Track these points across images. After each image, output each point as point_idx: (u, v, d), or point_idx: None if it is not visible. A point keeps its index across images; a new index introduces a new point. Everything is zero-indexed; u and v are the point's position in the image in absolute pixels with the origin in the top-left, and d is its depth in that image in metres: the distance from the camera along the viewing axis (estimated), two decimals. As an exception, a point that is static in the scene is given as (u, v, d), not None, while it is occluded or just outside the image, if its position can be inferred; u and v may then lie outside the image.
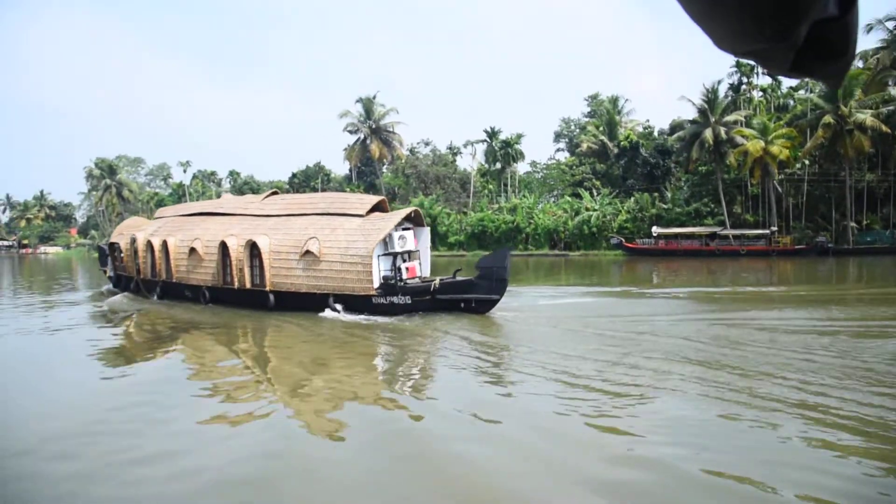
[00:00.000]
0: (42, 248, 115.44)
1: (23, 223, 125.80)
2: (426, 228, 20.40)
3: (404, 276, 18.37)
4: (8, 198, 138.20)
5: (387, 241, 18.37)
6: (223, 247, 20.17)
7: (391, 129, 62.00)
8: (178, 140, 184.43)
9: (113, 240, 26.56)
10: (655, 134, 65.50)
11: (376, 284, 17.82)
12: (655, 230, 49.90)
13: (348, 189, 73.23)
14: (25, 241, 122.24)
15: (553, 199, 64.84)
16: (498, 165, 63.38)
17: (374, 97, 61.12)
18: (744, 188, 53.17)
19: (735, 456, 7.11)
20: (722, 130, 47.58)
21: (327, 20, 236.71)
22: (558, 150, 77.29)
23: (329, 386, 11.01)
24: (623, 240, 51.52)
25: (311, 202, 21.49)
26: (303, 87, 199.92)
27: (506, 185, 65.30)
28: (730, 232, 48.03)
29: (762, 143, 44.45)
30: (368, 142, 61.96)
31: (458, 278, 18.17)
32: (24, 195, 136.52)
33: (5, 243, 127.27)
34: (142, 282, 23.76)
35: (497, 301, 17.42)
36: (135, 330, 18.14)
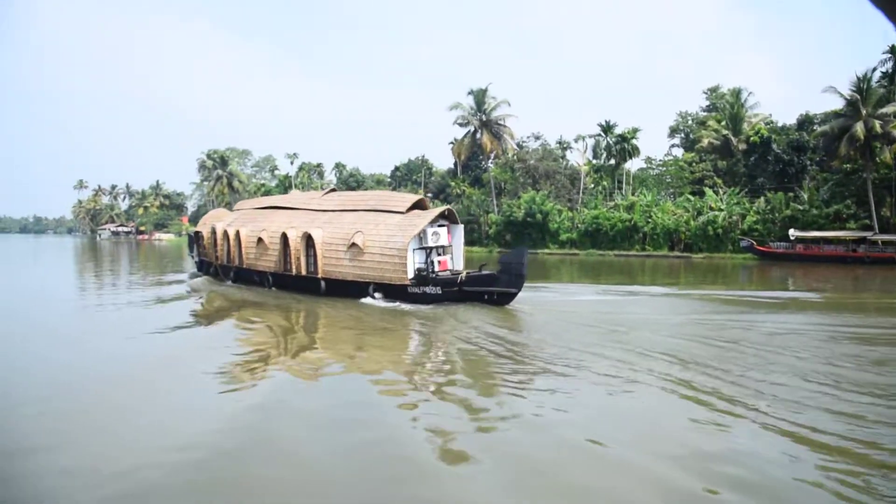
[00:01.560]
0: (157, 235, 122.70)
1: (140, 211, 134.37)
2: (460, 226, 21.77)
3: (436, 268, 19.93)
4: (128, 187, 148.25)
5: (421, 237, 19.94)
6: (284, 238, 22.23)
7: (502, 122, 60.48)
8: (287, 133, 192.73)
9: (197, 229, 29.02)
10: (778, 129, 60.48)
11: (410, 275, 19.39)
12: (793, 233, 45.76)
13: (453, 183, 72.52)
14: (142, 228, 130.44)
15: (669, 198, 61.16)
16: (612, 161, 60.47)
17: (486, 89, 59.81)
18: (894, 189, 47.94)
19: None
20: (876, 124, 42.78)
21: (438, 18, 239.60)
22: (673, 145, 73.24)
23: (344, 368, 11.51)
24: (754, 242, 47.71)
25: (361, 199, 23.40)
26: (411, 83, 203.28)
27: (619, 181, 62.39)
28: (881, 237, 43.26)
29: (928, 139, 39.61)
30: (479, 135, 60.79)
31: (483, 272, 19.20)
32: (141, 184, 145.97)
33: (124, 229, 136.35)
34: (219, 267, 26.27)
35: (515, 294, 18.42)
36: (204, 306, 20.88)
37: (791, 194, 50.78)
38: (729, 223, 50.60)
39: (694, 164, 61.86)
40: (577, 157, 68.62)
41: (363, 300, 19.70)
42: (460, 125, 62.19)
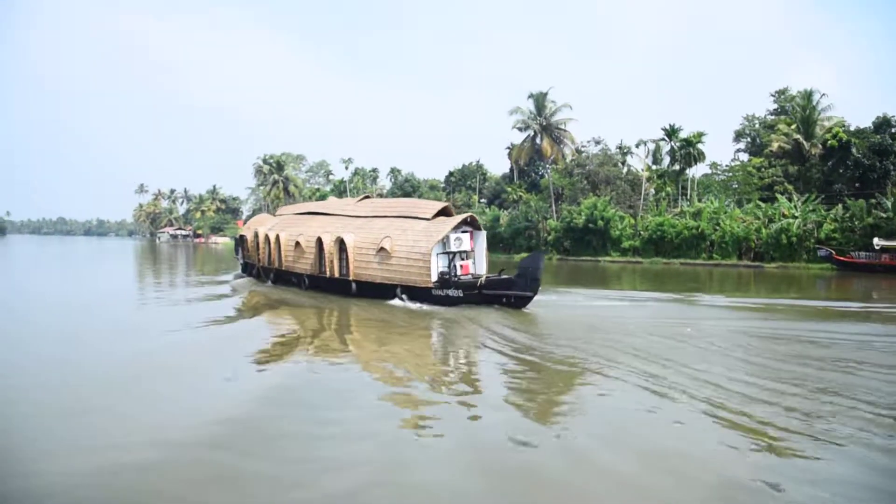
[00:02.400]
0: (213, 238, 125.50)
1: (198, 215, 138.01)
2: (483, 232, 22.85)
3: (458, 272, 21.04)
4: (185, 191, 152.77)
5: (445, 242, 21.09)
6: (319, 242, 23.75)
7: (563, 127, 59.26)
8: (342, 138, 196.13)
9: (242, 233, 30.87)
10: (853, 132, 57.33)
11: (434, 279, 20.53)
12: (878, 242, 43.07)
13: (509, 189, 71.58)
14: (199, 232, 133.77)
15: (736, 204, 58.72)
16: (676, 166, 58.48)
17: (546, 93, 58.72)
18: None
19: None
20: (972, 127, 39.96)
21: (496, 20, 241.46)
22: (738, 150, 70.51)
23: (366, 366, 11.87)
24: (833, 252, 45.15)
25: (391, 206, 24.67)
26: (468, 88, 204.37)
27: (684, 187, 60.31)
28: (978, 247, 40.32)
29: None
30: (538, 139, 59.71)
31: (502, 276, 20.26)
32: (199, 189, 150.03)
33: (182, 233, 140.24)
34: (261, 268, 27.97)
35: (531, 298, 19.22)
36: (244, 303, 22.47)
37: (873, 201, 47.95)
38: (804, 231, 48.10)
39: (763, 169, 59.27)
40: (638, 163, 66.79)
41: (390, 301, 20.95)
42: (520, 130, 61.33)
